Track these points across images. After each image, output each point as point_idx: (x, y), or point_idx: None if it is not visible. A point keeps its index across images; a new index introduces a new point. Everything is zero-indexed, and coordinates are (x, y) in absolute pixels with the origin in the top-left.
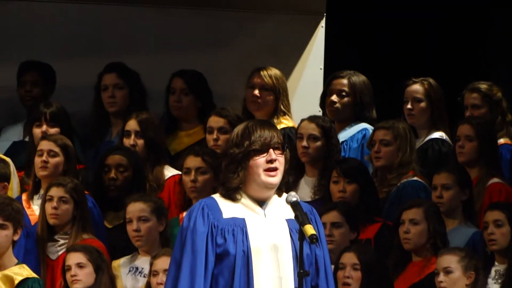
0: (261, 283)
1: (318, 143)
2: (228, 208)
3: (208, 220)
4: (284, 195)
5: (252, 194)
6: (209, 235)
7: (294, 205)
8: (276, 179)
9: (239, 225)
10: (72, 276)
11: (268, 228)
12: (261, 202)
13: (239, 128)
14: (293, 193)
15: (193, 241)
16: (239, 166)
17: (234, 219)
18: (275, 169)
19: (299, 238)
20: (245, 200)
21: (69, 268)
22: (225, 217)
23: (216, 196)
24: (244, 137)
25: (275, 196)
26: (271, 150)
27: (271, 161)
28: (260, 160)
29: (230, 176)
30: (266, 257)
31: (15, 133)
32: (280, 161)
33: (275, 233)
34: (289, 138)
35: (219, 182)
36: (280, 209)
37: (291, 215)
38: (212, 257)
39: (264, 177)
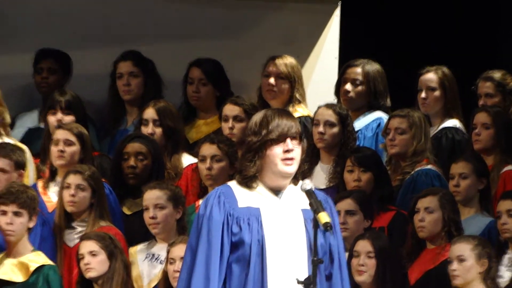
0: (275, 271)
1: (335, 130)
2: (243, 197)
3: (224, 209)
4: (300, 183)
5: (268, 182)
6: (225, 224)
7: (309, 193)
8: (292, 168)
9: (254, 215)
10: (85, 264)
11: (283, 217)
12: (277, 191)
13: (257, 117)
14: (307, 181)
15: (209, 229)
16: (256, 155)
17: (249, 208)
18: (291, 158)
19: (313, 226)
20: (261, 188)
21: (83, 257)
22: (240, 206)
23: (232, 184)
24: (262, 125)
25: (291, 185)
26: (288, 140)
27: (288, 151)
28: (277, 149)
29: (247, 165)
30: (281, 246)
31: (30, 120)
32: (296, 151)
33: (290, 222)
34: (304, 127)
35: (236, 169)
36: (295, 198)
37: (306, 204)
38: (228, 245)
39: (280, 166)
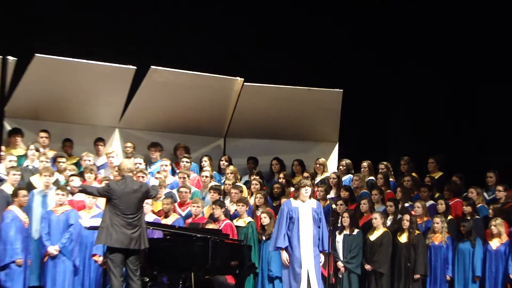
0: (302, 228)
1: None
2: (294, 203)
3: (288, 207)
4: (311, 200)
5: (301, 198)
6: (287, 212)
7: (314, 202)
8: (308, 195)
9: (296, 209)
10: (262, 221)
11: (305, 210)
12: (303, 201)
13: (303, 180)
14: (314, 200)
15: (282, 213)
16: (297, 190)
17: (295, 207)
18: (308, 191)
19: (314, 213)
20: (299, 200)
21: (261, 218)
22: (293, 206)
23: (291, 199)
24: (300, 182)
25: (308, 199)
26: (306, 186)
27: (306, 190)
28: (303, 190)
29: (296, 192)
30: (305, 219)
31: (245, 178)
32: (309, 190)
33: (307, 212)
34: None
35: (293, 196)
36: (310, 204)
37: (314, 205)
38: (288, 219)
39: (305, 194)
